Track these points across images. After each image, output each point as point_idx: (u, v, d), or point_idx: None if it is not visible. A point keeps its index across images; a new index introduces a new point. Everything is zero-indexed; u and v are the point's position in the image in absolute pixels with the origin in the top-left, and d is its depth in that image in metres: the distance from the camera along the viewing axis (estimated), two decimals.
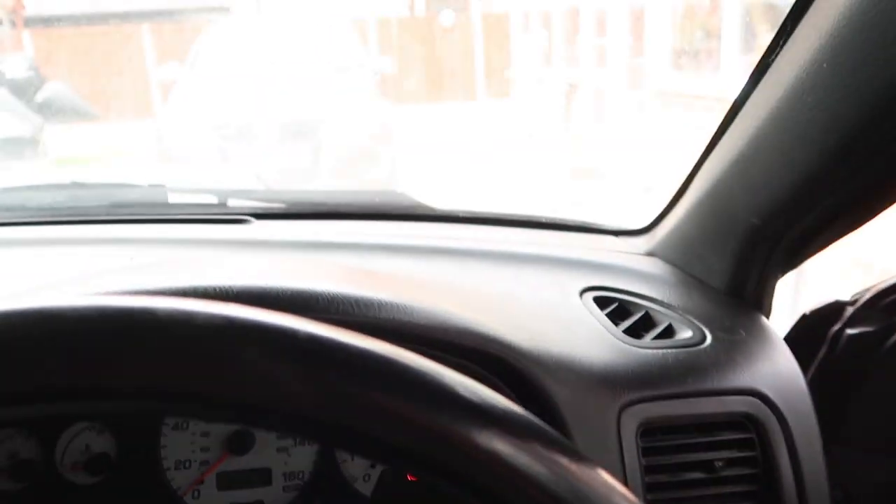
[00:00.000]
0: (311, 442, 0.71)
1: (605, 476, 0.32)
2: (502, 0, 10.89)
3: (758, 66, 0.67)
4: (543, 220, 1.08)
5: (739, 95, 0.71)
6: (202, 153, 4.94)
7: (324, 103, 5.22)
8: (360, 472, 0.71)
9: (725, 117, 0.74)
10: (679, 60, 5.47)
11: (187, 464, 0.69)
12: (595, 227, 1.06)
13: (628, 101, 6.23)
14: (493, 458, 0.31)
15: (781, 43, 0.63)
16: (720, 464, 0.69)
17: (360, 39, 6.34)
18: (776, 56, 0.64)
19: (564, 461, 0.32)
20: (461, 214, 1.07)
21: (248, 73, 5.63)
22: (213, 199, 1.06)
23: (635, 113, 6.06)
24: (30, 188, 1.11)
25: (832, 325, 0.80)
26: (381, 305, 0.63)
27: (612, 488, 0.32)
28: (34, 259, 0.85)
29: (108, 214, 0.99)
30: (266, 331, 0.31)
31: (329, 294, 0.62)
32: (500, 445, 0.32)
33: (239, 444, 0.69)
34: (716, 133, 0.77)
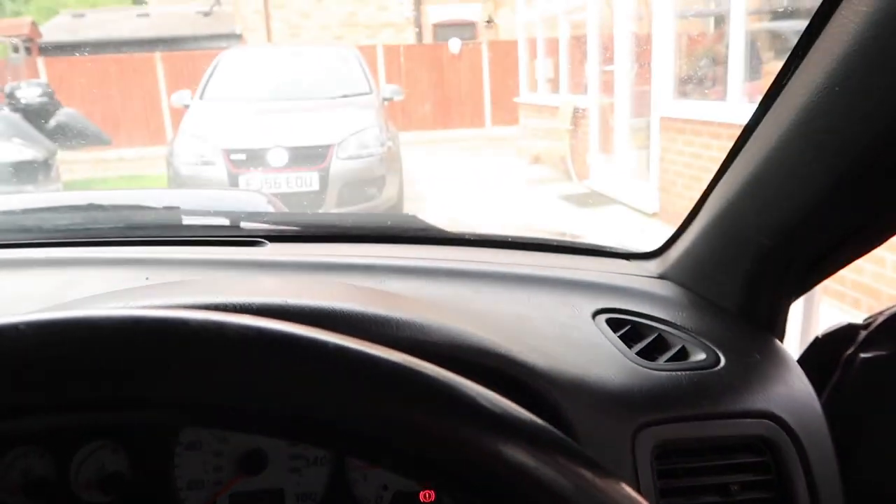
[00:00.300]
0: (324, 462, 0.71)
1: (627, 489, 0.32)
2: (509, 27, 11.02)
3: (770, 89, 0.68)
4: (555, 244, 1.08)
5: (751, 119, 0.72)
6: (213, 179, 4.99)
7: (333, 130, 5.27)
8: (372, 493, 0.71)
9: (737, 140, 0.75)
10: (685, 87, 5.51)
11: (200, 484, 0.68)
12: (606, 250, 1.07)
13: (636, 126, 6.26)
14: (516, 470, 0.32)
15: (793, 67, 0.64)
16: (735, 487, 0.68)
17: (368, 66, 6.41)
18: (788, 80, 0.65)
19: (588, 474, 0.32)
20: (472, 238, 1.07)
21: (258, 99, 5.71)
22: (227, 222, 1.07)
23: (642, 139, 6.09)
24: (46, 210, 1.13)
25: (845, 348, 0.80)
26: (398, 324, 0.63)
27: (635, 501, 0.32)
28: (51, 279, 0.86)
29: (123, 236, 1.00)
30: (296, 342, 0.32)
31: (348, 312, 0.62)
32: (523, 457, 0.32)
33: (252, 465, 0.68)
34: (728, 156, 0.77)
